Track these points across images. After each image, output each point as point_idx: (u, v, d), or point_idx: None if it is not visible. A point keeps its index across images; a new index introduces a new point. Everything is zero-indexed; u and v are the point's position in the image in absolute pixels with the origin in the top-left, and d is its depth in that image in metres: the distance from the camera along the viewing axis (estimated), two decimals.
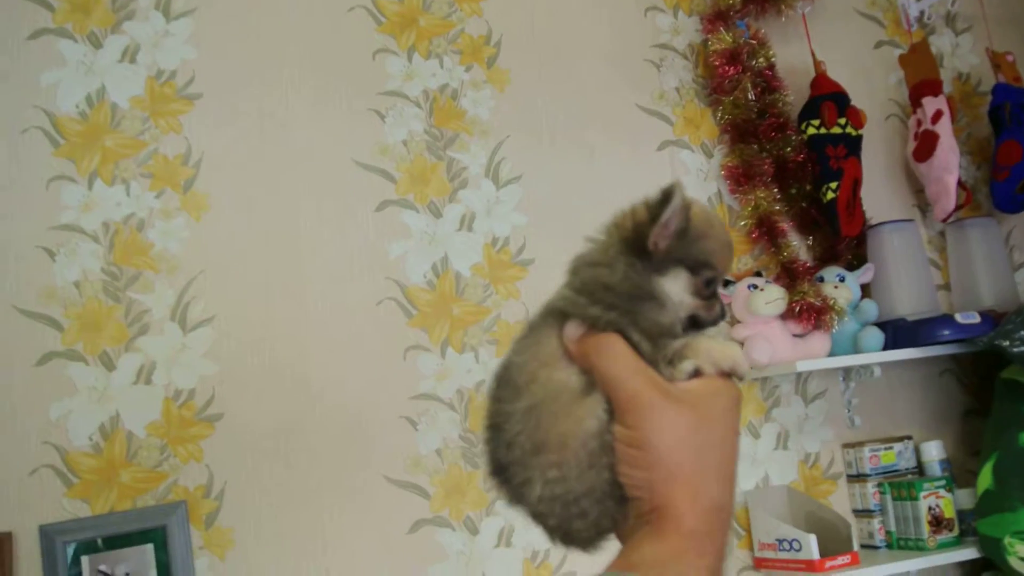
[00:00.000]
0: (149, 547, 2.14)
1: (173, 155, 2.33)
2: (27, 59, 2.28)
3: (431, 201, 2.50)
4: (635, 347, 0.85)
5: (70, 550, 2.09)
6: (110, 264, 2.25)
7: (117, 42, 2.35)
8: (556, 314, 0.92)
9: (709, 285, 0.91)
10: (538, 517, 0.91)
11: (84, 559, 2.09)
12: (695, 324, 0.91)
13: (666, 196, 0.87)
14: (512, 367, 0.94)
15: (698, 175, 2.71)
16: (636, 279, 0.88)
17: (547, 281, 2.71)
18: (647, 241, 0.88)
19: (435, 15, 2.60)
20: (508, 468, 0.91)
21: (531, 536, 2.41)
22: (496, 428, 0.91)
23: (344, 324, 2.36)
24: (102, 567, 2.10)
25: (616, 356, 0.84)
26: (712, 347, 0.84)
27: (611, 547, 0.82)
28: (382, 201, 2.46)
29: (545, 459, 0.87)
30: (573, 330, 0.88)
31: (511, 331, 2.48)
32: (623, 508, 0.82)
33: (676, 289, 0.90)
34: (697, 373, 0.83)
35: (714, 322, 0.92)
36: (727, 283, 2.61)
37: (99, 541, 2.11)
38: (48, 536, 2.08)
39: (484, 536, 2.38)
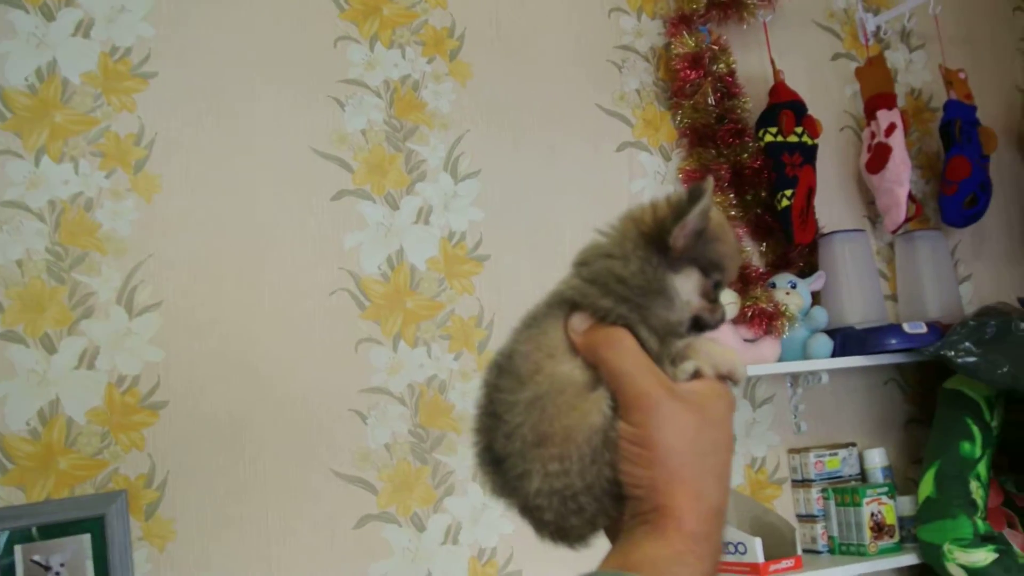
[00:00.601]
0: (86, 537, 2.07)
1: (125, 134, 2.27)
2: None
3: (388, 192, 2.47)
4: (643, 343, 0.84)
5: (2, 539, 2.01)
6: (55, 244, 2.18)
7: (70, 15, 2.28)
8: (564, 304, 0.90)
9: (716, 288, 0.91)
10: (531, 511, 0.89)
11: (17, 548, 2.02)
12: (698, 326, 0.91)
13: (695, 195, 0.87)
14: (515, 356, 0.92)
15: (655, 177, 2.72)
16: (650, 274, 0.87)
17: (503, 277, 2.71)
18: (668, 237, 0.88)
19: (399, 4, 2.57)
20: (505, 459, 0.90)
21: (478, 533, 2.40)
22: (494, 417, 0.89)
23: (296, 314, 2.32)
24: (35, 557, 2.03)
25: (625, 352, 0.83)
26: (713, 349, 0.85)
27: (600, 545, 0.82)
28: (339, 191, 2.42)
29: (547, 452, 0.85)
30: (579, 322, 0.87)
31: (465, 327, 2.46)
32: (619, 506, 0.81)
33: (687, 288, 0.89)
34: (697, 374, 0.83)
35: (715, 325, 0.92)
36: None
37: (34, 530, 2.04)
38: None
39: (431, 533, 2.36)
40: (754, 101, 2.74)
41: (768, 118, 2.68)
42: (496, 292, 2.51)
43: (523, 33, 2.68)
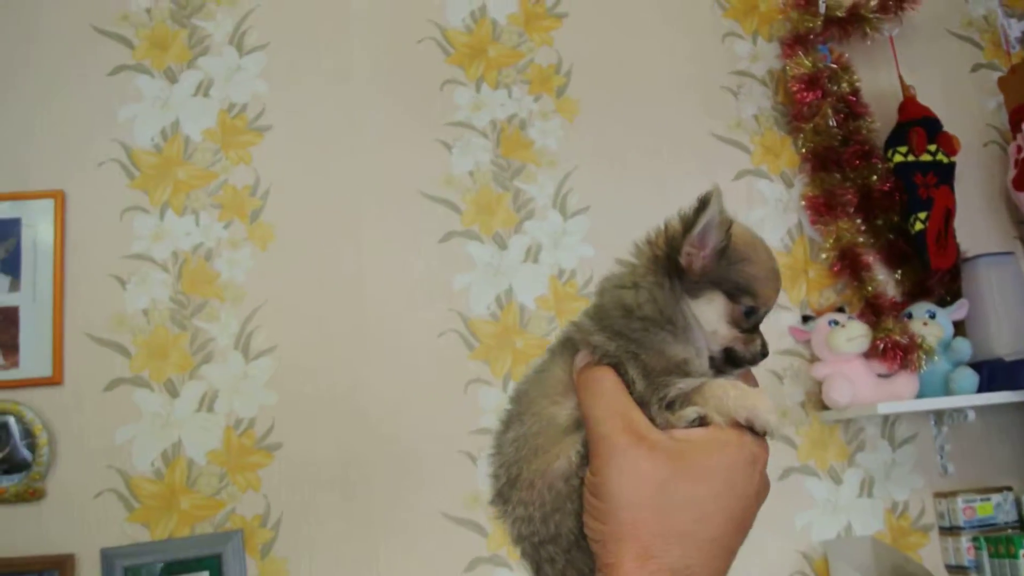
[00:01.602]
0: (205, 575, 2.14)
1: (242, 186, 2.37)
2: (107, 94, 2.37)
3: (496, 232, 2.46)
4: (629, 384, 0.77)
5: (130, 574, 2.11)
6: (178, 292, 2.29)
7: (192, 77, 2.42)
8: (569, 342, 0.87)
9: (749, 316, 0.83)
10: (522, 556, 0.85)
11: None
12: (732, 360, 0.84)
13: (702, 203, 0.79)
14: (518, 393, 0.89)
15: (777, 206, 2.59)
16: (662, 301, 0.81)
17: None
18: (680, 256, 0.81)
19: (505, 45, 2.58)
20: (501, 498, 0.86)
21: None
22: (493, 454, 0.86)
23: (404, 356, 2.34)
24: None
25: (599, 393, 0.77)
26: (727, 393, 0.75)
27: None
28: (447, 232, 2.44)
29: (516, 495, 0.81)
30: (580, 359, 0.82)
31: None
32: (592, 562, 0.74)
33: (710, 316, 0.83)
34: (704, 422, 0.74)
35: (753, 360, 0.84)
36: (806, 319, 2.47)
37: (157, 567, 2.13)
38: (109, 559, 2.11)
39: None
40: (882, 120, 2.57)
41: (897, 137, 2.50)
42: None
43: (631, 65, 2.62)
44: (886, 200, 2.50)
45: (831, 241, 2.47)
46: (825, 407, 2.42)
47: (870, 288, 2.43)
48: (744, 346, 0.84)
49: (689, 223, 0.80)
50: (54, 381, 2.18)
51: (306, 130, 2.43)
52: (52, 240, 2.25)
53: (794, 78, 2.50)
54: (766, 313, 0.85)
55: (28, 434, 2.14)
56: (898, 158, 2.48)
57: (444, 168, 2.47)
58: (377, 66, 2.50)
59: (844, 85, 2.53)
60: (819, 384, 2.41)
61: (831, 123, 2.50)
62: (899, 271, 2.54)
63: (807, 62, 2.48)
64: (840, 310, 2.46)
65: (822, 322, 2.41)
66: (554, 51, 2.60)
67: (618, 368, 0.78)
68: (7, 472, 2.12)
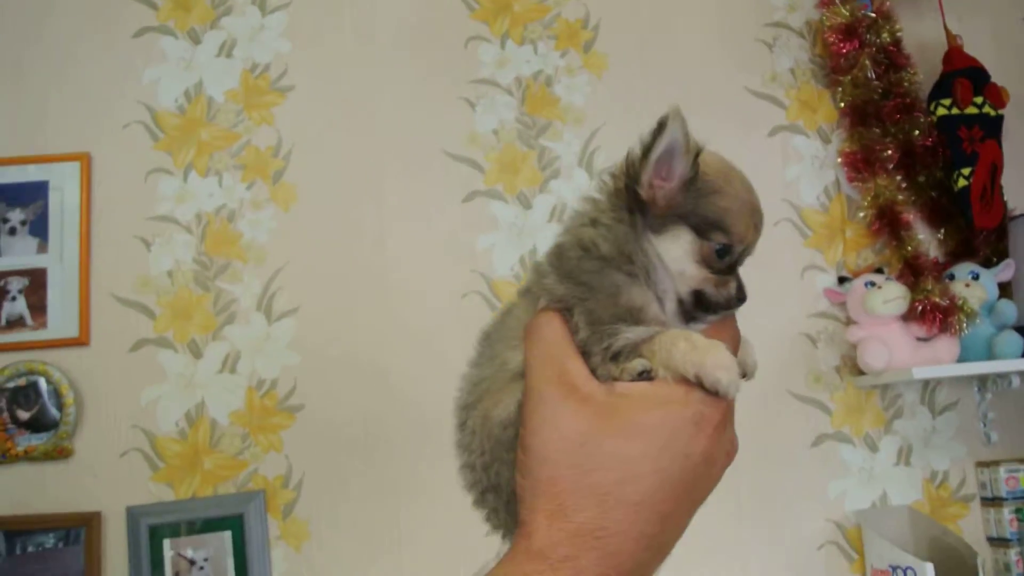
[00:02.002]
0: (227, 534, 2.16)
1: (265, 147, 2.36)
2: (132, 56, 2.37)
3: (521, 192, 2.41)
4: (574, 331, 0.73)
5: (154, 533, 2.14)
6: (201, 254, 2.29)
7: (215, 37, 2.41)
8: (529, 289, 0.82)
9: (722, 255, 0.77)
10: (473, 504, 0.82)
11: (166, 542, 2.14)
12: (703, 305, 0.77)
13: (660, 126, 0.74)
14: (484, 334, 0.86)
15: (813, 162, 2.49)
16: (621, 239, 0.76)
17: None
18: (640, 187, 0.75)
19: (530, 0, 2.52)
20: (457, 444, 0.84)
21: None
22: (456, 398, 0.84)
23: (427, 317, 2.31)
24: (182, 551, 2.14)
25: (539, 340, 0.73)
26: (676, 345, 0.69)
27: None
28: (470, 192, 2.40)
29: (461, 439, 0.78)
30: (541, 302, 0.77)
31: None
32: None
33: (675, 254, 0.76)
34: (651, 376, 0.69)
35: (726, 305, 0.77)
36: (842, 280, 2.38)
37: (181, 526, 2.16)
38: (134, 518, 2.14)
39: None
40: (926, 71, 2.44)
41: (941, 89, 2.38)
42: None
43: (662, 18, 2.54)
44: (928, 156, 2.39)
45: (869, 199, 2.37)
46: (861, 372, 2.34)
47: (910, 248, 2.32)
48: (716, 288, 0.77)
49: (647, 148, 0.74)
50: (81, 342, 2.21)
51: (329, 90, 2.40)
52: (78, 202, 2.26)
53: (830, 28, 2.38)
54: (744, 253, 0.79)
55: (56, 394, 2.17)
56: (941, 111, 2.36)
57: (468, 126, 2.42)
58: (400, 23, 2.45)
59: (885, 35, 2.41)
60: (854, 348, 2.33)
61: (870, 75, 2.38)
62: (942, 230, 2.43)
63: (844, 11, 2.36)
64: (878, 271, 2.36)
65: (858, 283, 2.32)
66: (582, 5, 2.53)
67: (568, 313, 0.73)
68: (36, 431, 2.16)
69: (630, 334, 0.71)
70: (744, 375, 0.75)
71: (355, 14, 2.45)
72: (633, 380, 0.68)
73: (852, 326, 2.33)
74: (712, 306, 0.77)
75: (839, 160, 2.45)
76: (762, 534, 2.29)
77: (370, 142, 2.38)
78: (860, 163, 2.39)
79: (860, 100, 2.41)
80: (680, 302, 0.78)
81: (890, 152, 2.38)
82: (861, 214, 2.40)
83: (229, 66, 2.39)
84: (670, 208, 0.76)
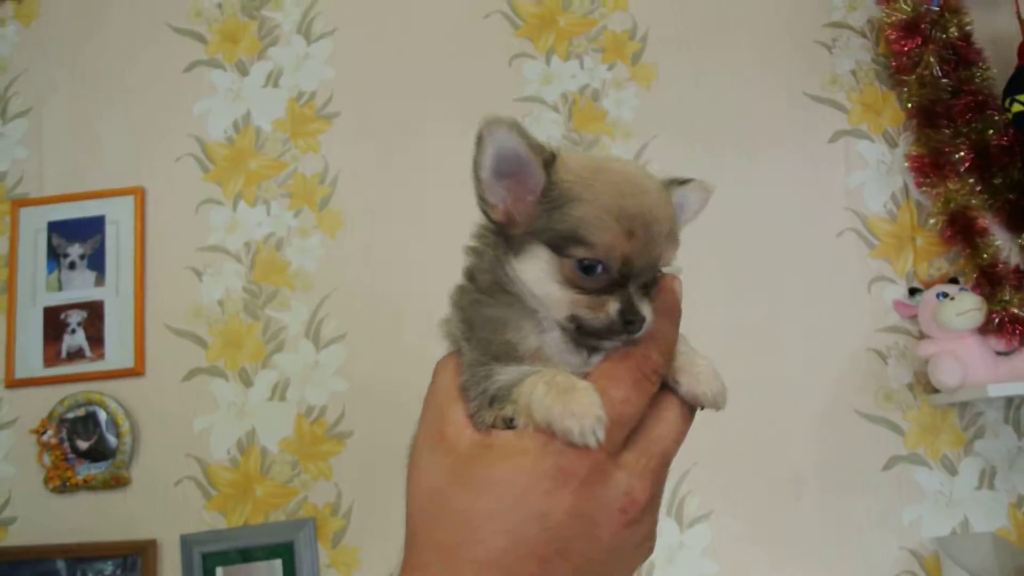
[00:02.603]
0: (278, 562, 2.16)
1: (311, 174, 2.37)
2: (182, 90, 2.42)
3: None
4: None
5: (207, 560, 2.15)
6: (250, 283, 2.31)
7: (262, 68, 2.44)
8: None
9: (589, 272, 0.66)
10: None
11: (219, 570, 2.15)
12: (585, 331, 0.67)
13: (478, 139, 0.67)
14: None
15: (879, 168, 2.35)
16: (494, 265, 0.70)
17: (695, 293, 2.44)
18: (487, 208, 0.70)
19: (575, 13, 2.46)
20: None
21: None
22: None
23: None
24: None
25: (432, 386, 0.70)
26: (536, 390, 0.62)
27: None
28: None
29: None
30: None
31: None
32: None
33: (534, 274, 0.68)
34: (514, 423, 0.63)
35: (607, 332, 0.66)
36: (913, 292, 2.24)
37: (233, 553, 2.17)
38: (188, 546, 2.16)
39: None
40: (999, 66, 2.28)
41: (1017, 84, 2.21)
42: (691, 314, 2.28)
43: (713, 24, 2.44)
44: (1004, 155, 2.22)
45: (940, 204, 2.22)
46: (936, 390, 2.19)
47: (985, 256, 2.17)
48: (591, 312, 0.66)
49: (473, 165, 0.68)
50: (136, 372, 2.26)
51: (373, 114, 2.40)
52: (133, 235, 2.32)
53: (890, 25, 2.25)
54: (627, 270, 0.67)
55: (113, 424, 2.22)
56: (1017, 107, 2.19)
57: None
58: (443, 45, 2.43)
59: (952, 30, 2.26)
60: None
61: (937, 73, 2.24)
62: (1022, 236, 2.26)
63: (905, 6, 2.23)
64: (953, 281, 2.21)
65: (930, 295, 2.17)
66: (628, 15, 2.46)
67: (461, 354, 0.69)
68: (95, 460, 2.21)
69: (503, 376, 0.65)
70: (700, 406, 0.67)
71: (398, 38, 2.44)
72: (505, 428, 0.63)
73: (923, 341, 2.19)
74: (598, 335, 0.67)
75: (907, 164, 2.31)
76: (833, 563, 2.16)
77: (415, 166, 2.36)
78: (929, 167, 2.25)
79: (927, 100, 2.27)
80: (565, 330, 0.69)
81: (962, 154, 2.23)
82: (932, 221, 2.25)
83: (276, 96, 2.41)
84: (528, 226, 0.68)
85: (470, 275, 0.71)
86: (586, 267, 0.66)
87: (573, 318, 0.67)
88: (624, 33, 2.45)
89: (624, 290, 0.67)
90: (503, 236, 0.70)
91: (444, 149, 2.36)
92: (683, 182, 0.76)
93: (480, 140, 0.66)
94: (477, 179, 0.68)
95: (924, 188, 2.27)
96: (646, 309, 0.67)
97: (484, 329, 0.68)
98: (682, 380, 0.66)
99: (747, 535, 2.16)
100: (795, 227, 2.31)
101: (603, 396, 0.61)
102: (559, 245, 0.67)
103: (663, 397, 0.66)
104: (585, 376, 0.65)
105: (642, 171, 0.72)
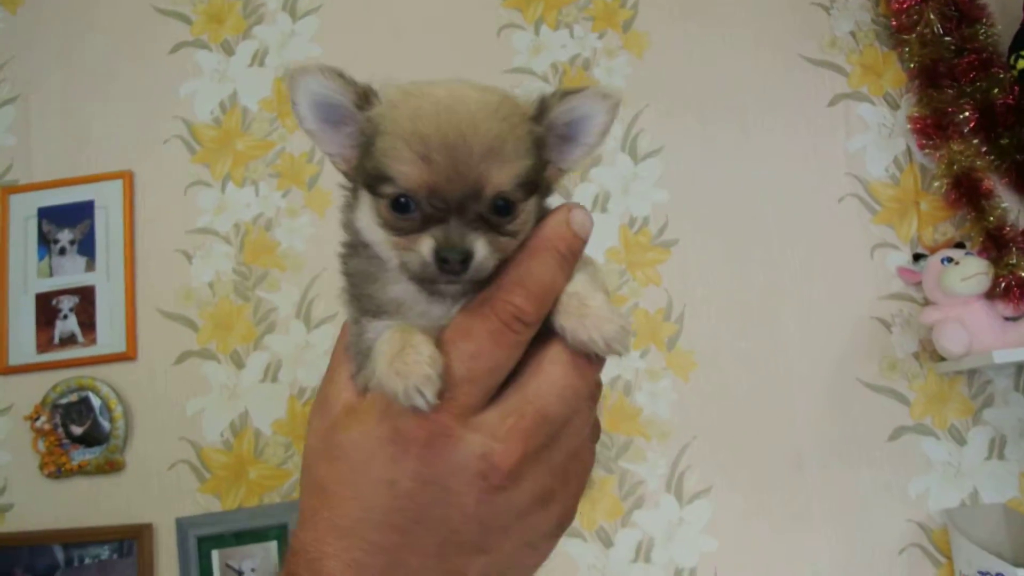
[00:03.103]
0: (273, 544, 2.15)
1: (299, 153, 2.34)
2: (168, 72, 2.39)
3: (564, 188, 2.29)
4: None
5: (202, 543, 2.14)
6: (240, 264, 2.29)
7: (248, 47, 2.40)
8: None
9: (402, 210, 0.61)
10: None
11: (214, 553, 2.14)
12: (413, 277, 0.62)
13: (288, 90, 0.64)
14: None
15: (881, 131, 2.28)
16: (349, 221, 0.68)
17: (692, 264, 2.40)
18: (331, 157, 0.68)
19: None
20: None
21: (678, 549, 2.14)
22: None
23: None
24: (230, 561, 2.14)
25: (334, 349, 0.67)
26: (380, 349, 0.58)
27: None
28: None
29: None
30: None
31: (651, 323, 2.22)
32: None
33: (363, 222, 0.64)
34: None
35: (428, 274, 0.60)
36: (918, 258, 2.17)
37: (228, 536, 2.15)
38: (183, 529, 2.15)
39: (619, 549, 2.15)
40: (1004, 22, 2.19)
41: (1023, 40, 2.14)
42: (686, 279, 2.23)
43: None
44: (1011, 115, 2.14)
45: (944, 167, 2.15)
46: (943, 358, 2.12)
47: (992, 219, 2.09)
48: (405, 253, 0.61)
49: (297, 120, 0.64)
50: (128, 356, 2.24)
51: None
52: (122, 219, 2.30)
53: None
54: (439, 201, 0.60)
55: (105, 409, 2.21)
56: (1023, 64, 2.12)
57: None
58: (430, 18, 2.39)
59: None
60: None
61: (938, 31, 2.16)
62: None
63: None
64: (959, 245, 2.14)
65: (934, 260, 2.11)
66: None
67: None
68: (89, 445, 2.20)
69: (370, 333, 0.61)
70: (593, 354, 0.59)
71: (384, 12, 2.40)
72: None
73: (928, 307, 2.12)
74: (417, 277, 0.61)
75: (909, 127, 2.23)
76: (837, 537, 2.11)
77: None
78: (932, 128, 2.17)
79: (929, 59, 2.19)
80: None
81: (966, 114, 2.15)
82: (936, 184, 2.18)
83: (262, 75, 2.38)
84: (355, 171, 0.65)
85: (344, 230, 0.68)
86: (397, 205, 0.61)
87: (399, 264, 0.62)
88: (615, 1, 2.39)
89: (443, 225, 0.60)
90: (351, 189, 0.66)
91: None
92: (569, 92, 0.66)
93: (291, 93, 0.62)
94: (307, 133, 0.65)
95: (927, 151, 2.19)
96: (478, 244, 0.59)
97: (354, 285, 0.66)
98: (567, 324, 0.59)
99: (748, 510, 2.11)
100: (795, 194, 2.25)
101: (451, 350, 0.57)
102: (372, 185, 0.62)
103: (546, 346, 0.59)
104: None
105: (467, 89, 0.65)
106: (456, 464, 0.55)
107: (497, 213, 0.61)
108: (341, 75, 0.63)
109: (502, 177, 0.60)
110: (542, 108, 0.65)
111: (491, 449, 0.56)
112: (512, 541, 0.58)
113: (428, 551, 0.56)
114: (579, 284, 0.60)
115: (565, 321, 0.59)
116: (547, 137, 0.65)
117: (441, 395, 0.55)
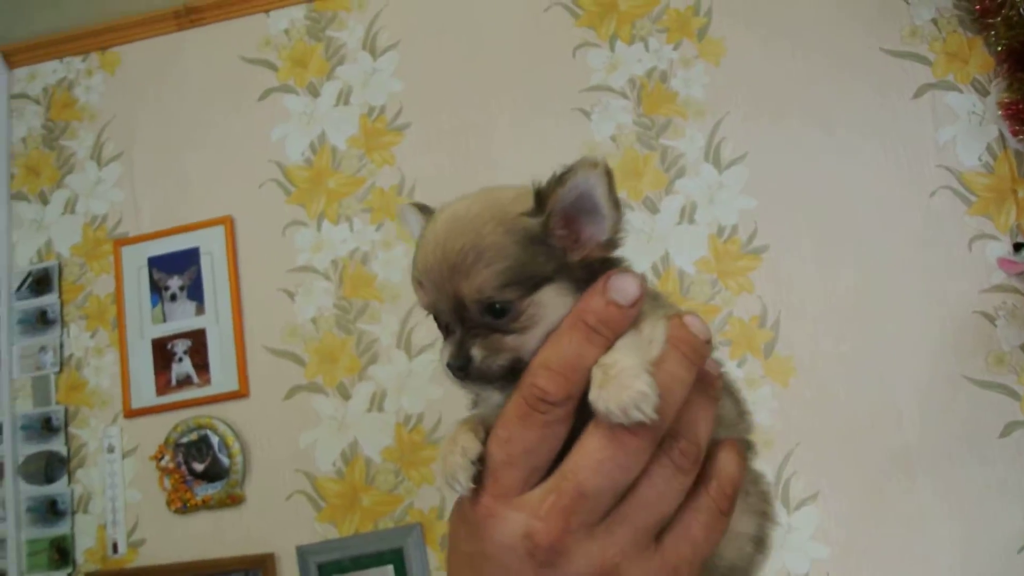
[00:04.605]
0: (389, 568, 2.22)
1: (388, 186, 2.41)
2: (259, 118, 2.49)
3: (646, 196, 2.32)
4: None
5: (322, 570, 2.23)
6: (340, 299, 2.37)
7: (332, 87, 2.49)
8: None
9: (436, 323, 0.71)
10: None
11: None
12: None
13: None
14: None
15: (971, 120, 2.23)
16: None
17: (784, 270, 2.39)
18: None
19: None
20: None
21: None
22: None
23: None
24: None
25: None
26: (442, 445, 0.69)
27: None
28: None
29: None
30: None
31: (746, 330, 2.22)
32: None
33: None
34: None
35: (459, 372, 0.67)
36: (1019, 247, 2.12)
37: (346, 561, 2.24)
38: (304, 557, 2.25)
39: None
40: None
41: None
42: (778, 286, 2.23)
43: None
44: None
45: None
46: None
47: None
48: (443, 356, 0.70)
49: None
50: (241, 394, 2.35)
51: (443, 120, 2.42)
52: (226, 263, 2.41)
53: None
54: (442, 316, 0.69)
55: (223, 445, 2.32)
56: None
57: (584, 136, 2.36)
58: (505, 45, 2.43)
59: None
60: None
61: None
62: None
63: None
64: None
65: None
66: None
67: None
68: (210, 480, 2.32)
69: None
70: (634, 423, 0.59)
71: (460, 42, 2.45)
72: None
73: None
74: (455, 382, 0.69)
75: (1000, 113, 2.18)
76: (952, 539, 2.07)
77: (487, 167, 2.37)
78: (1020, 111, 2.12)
79: (1018, 42, 2.13)
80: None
81: None
82: None
83: (348, 113, 2.46)
84: None
85: None
86: (440, 322, 0.70)
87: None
88: (688, 9, 2.39)
89: (452, 336, 0.67)
90: None
91: (513, 147, 2.38)
92: (562, 175, 0.66)
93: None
94: None
95: (1021, 136, 2.14)
96: (474, 350, 0.65)
97: None
98: (591, 396, 0.60)
99: (857, 515, 2.10)
100: (884, 191, 2.22)
101: (492, 437, 0.62)
102: None
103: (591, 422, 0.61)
104: None
105: (467, 203, 0.69)
106: (503, 543, 0.59)
107: (493, 316, 0.65)
108: (422, 207, 0.71)
109: (472, 286, 0.65)
110: (539, 200, 0.67)
111: (533, 528, 0.58)
112: None
113: None
114: (615, 352, 0.61)
115: (591, 393, 0.60)
116: (551, 225, 0.66)
117: (482, 479, 0.60)
